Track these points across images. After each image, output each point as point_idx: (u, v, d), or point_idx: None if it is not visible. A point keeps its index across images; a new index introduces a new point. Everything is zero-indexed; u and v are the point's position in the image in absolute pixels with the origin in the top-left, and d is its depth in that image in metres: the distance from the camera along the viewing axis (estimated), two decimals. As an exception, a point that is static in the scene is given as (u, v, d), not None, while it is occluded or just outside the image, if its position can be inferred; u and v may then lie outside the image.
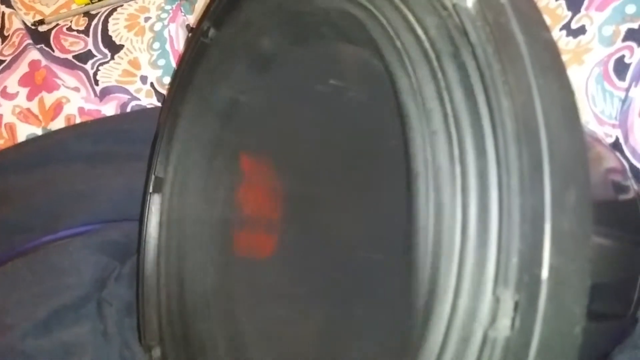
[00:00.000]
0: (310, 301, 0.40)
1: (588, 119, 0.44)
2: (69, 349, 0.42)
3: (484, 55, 0.23)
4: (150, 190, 0.48)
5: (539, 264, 0.20)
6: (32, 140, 0.58)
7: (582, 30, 0.44)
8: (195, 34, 0.45)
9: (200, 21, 0.44)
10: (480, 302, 0.22)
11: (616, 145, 0.42)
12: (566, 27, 0.45)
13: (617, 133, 0.43)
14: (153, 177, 0.48)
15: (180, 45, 0.60)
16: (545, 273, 0.20)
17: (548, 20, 0.45)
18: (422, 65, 0.25)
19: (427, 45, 0.25)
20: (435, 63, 0.25)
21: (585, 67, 0.43)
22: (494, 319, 0.21)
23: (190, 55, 0.45)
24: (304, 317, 0.41)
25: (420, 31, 0.26)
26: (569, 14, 0.45)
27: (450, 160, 0.24)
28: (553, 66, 0.23)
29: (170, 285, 0.46)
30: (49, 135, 0.58)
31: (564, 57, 0.44)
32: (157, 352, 0.44)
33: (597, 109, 0.43)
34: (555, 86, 0.22)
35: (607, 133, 0.43)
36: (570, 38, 0.44)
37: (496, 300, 0.21)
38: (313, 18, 0.34)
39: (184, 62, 0.46)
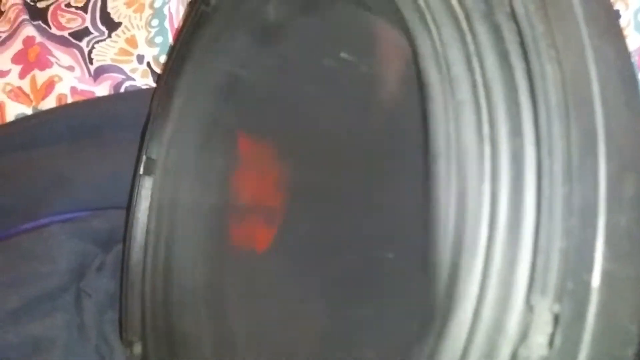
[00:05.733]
0: (309, 300, 0.36)
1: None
2: (38, 344, 0.39)
3: (524, 13, 0.19)
4: (141, 172, 0.44)
5: (588, 268, 0.16)
6: (19, 121, 0.55)
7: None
8: (195, 1, 0.41)
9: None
10: (510, 312, 0.18)
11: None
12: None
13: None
14: (144, 157, 0.44)
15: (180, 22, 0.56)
16: (596, 280, 0.16)
17: None
18: (447, 26, 0.21)
19: (454, 2, 0.21)
20: (463, 24, 0.21)
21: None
22: (525, 334, 0.17)
23: (190, 25, 0.41)
24: (301, 317, 0.37)
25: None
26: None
27: (479, 138, 0.19)
28: (610, 28, 0.18)
29: (156, 276, 0.43)
30: (36, 116, 0.54)
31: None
32: (137, 348, 0.40)
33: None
34: (612, 51, 0.18)
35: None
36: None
37: (529, 310, 0.17)
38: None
39: (182, 32, 0.42)
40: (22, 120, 0.54)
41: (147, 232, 0.44)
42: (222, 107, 0.41)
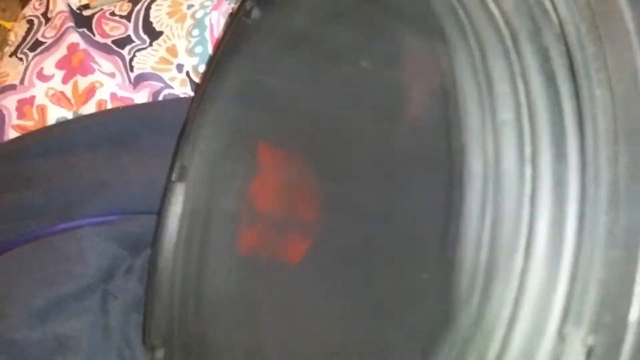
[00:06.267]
0: (341, 316, 0.36)
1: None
2: (63, 342, 0.39)
3: (575, 34, 0.19)
4: (174, 179, 0.44)
5: (627, 301, 0.15)
6: (60, 124, 0.56)
7: None
8: (237, 13, 0.42)
9: (244, 0, 0.40)
10: (541, 341, 0.17)
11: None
12: None
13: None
14: (178, 164, 0.44)
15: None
16: (635, 314, 0.15)
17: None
18: (492, 43, 0.20)
19: (499, 20, 0.21)
20: (509, 42, 0.20)
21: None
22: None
23: (230, 36, 0.41)
24: (334, 333, 0.36)
25: (491, 3, 0.21)
26: None
27: (520, 160, 0.19)
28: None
29: (187, 283, 0.43)
30: (76, 120, 0.56)
31: None
32: (160, 353, 0.40)
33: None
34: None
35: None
36: None
37: (562, 340, 0.16)
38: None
39: (222, 43, 0.42)
40: (62, 124, 0.55)
41: (178, 238, 0.44)
42: (255, 117, 0.41)
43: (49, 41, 0.62)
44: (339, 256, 0.37)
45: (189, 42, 0.57)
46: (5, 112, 0.58)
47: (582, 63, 0.18)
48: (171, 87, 0.55)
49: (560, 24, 0.19)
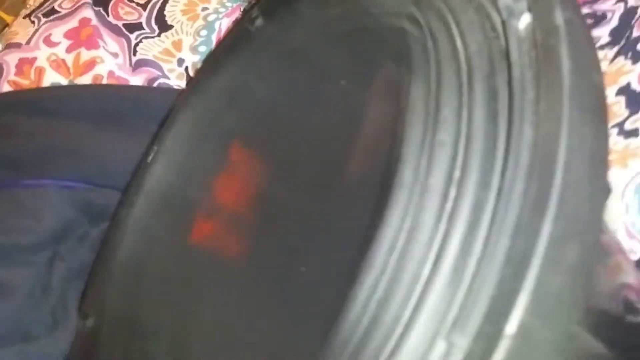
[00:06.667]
0: (260, 315, 0.37)
1: (617, 228, 0.40)
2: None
3: (520, 79, 0.20)
4: (148, 160, 0.45)
5: (507, 316, 0.16)
6: (52, 88, 0.58)
7: (634, 133, 0.41)
8: (242, 18, 0.44)
9: (251, 7, 0.42)
10: (431, 345, 0.18)
11: (640, 264, 0.38)
12: (619, 125, 0.42)
13: (645, 251, 0.39)
14: (155, 147, 0.45)
15: (226, 38, 0.59)
16: (511, 328, 0.16)
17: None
18: (449, 73, 0.22)
19: (462, 57, 0.23)
20: (464, 77, 0.22)
21: (627, 171, 0.40)
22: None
23: (230, 38, 0.43)
24: (253, 330, 0.37)
25: (459, 43, 0.23)
26: (626, 112, 0.42)
27: (447, 180, 0.20)
28: (594, 110, 0.19)
29: (133, 261, 0.43)
30: (69, 88, 0.57)
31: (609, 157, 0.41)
32: (91, 322, 0.40)
33: (628, 220, 0.39)
34: (590, 131, 0.19)
35: (633, 249, 0.39)
36: (621, 138, 0.41)
37: (450, 345, 0.17)
38: (355, 20, 0.32)
39: (222, 43, 0.44)
40: (55, 88, 0.57)
41: (137, 216, 0.45)
42: (225, 112, 0.43)
43: (64, 12, 0.64)
44: (268, 261, 0.38)
45: (195, 40, 0.59)
46: (4, 66, 0.59)
47: (520, 104, 0.20)
48: (167, 78, 0.57)
49: (510, 67, 0.21)
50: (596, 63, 0.21)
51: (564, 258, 0.17)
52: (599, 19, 0.50)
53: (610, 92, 0.44)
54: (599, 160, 0.19)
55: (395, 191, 0.21)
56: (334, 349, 0.20)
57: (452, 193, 0.20)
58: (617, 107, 0.42)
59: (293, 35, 0.39)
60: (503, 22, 0.22)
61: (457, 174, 0.20)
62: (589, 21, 0.51)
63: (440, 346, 0.18)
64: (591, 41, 0.21)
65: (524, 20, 0.22)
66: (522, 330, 0.16)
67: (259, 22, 0.42)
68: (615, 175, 0.40)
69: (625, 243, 0.39)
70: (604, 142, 0.19)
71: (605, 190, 0.19)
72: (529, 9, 0.21)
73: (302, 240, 0.34)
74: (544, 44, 0.20)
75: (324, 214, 0.34)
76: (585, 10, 0.52)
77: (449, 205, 0.20)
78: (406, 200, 0.20)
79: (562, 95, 0.19)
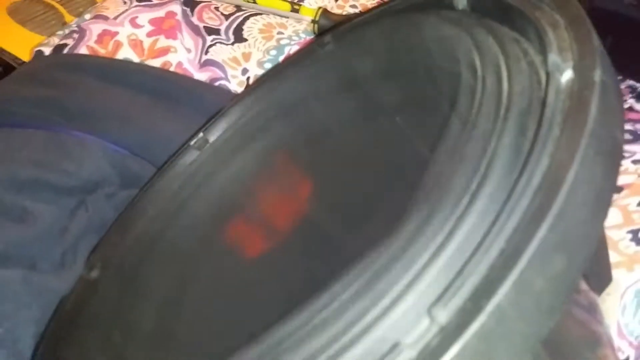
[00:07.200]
0: (259, 314, 0.38)
1: (610, 325, 0.41)
2: (22, 214, 0.41)
3: (549, 118, 0.23)
4: (191, 144, 0.48)
5: (488, 297, 0.18)
6: (123, 61, 0.62)
7: (646, 249, 0.42)
8: (314, 42, 0.47)
9: (324, 32, 0.46)
10: (415, 317, 0.20)
11: (624, 364, 0.39)
12: (634, 232, 0.43)
13: (631, 354, 0.39)
14: (201, 135, 0.48)
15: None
16: (491, 306, 0.18)
17: (620, 214, 0.44)
18: (488, 106, 0.25)
19: (504, 94, 0.25)
20: (502, 111, 0.24)
21: (632, 275, 0.41)
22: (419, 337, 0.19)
23: (298, 54, 0.46)
24: (242, 324, 0.38)
25: (505, 84, 0.26)
26: (643, 219, 0.43)
27: (465, 188, 0.22)
28: (608, 157, 0.22)
29: (149, 230, 0.45)
30: (139, 65, 0.61)
31: (617, 258, 0.43)
32: (95, 273, 0.42)
33: (623, 320, 0.40)
34: (601, 170, 0.21)
35: (621, 348, 0.40)
36: (633, 244, 0.43)
37: (431, 318, 0.19)
38: (414, 54, 0.35)
39: (289, 59, 0.47)
40: (126, 62, 0.61)
41: (167, 194, 0.47)
42: (287, 129, 0.46)
43: (155, 1, 0.69)
44: (284, 271, 0.40)
45: (264, 56, 0.63)
46: (88, 32, 0.64)
47: (544, 138, 0.22)
48: (228, 82, 0.61)
49: (543, 108, 0.23)
50: (620, 123, 0.23)
51: (550, 265, 0.19)
52: (637, 137, 0.53)
53: (633, 202, 0.46)
54: (604, 198, 0.21)
55: (416, 198, 0.23)
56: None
57: (466, 200, 0.22)
58: (637, 215, 0.44)
59: (357, 62, 0.43)
60: (547, 74, 0.25)
61: (474, 185, 0.22)
62: (628, 137, 0.54)
63: (424, 320, 0.19)
64: (621, 105, 0.24)
65: (566, 76, 0.24)
66: (498, 313, 0.18)
67: (329, 47, 0.46)
68: (620, 276, 0.41)
69: (616, 341, 0.40)
70: (612, 185, 0.22)
71: (602, 219, 0.21)
72: (574, 67, 0.24)
73: (324, 264, 0.36)
74: (579, 94, 0.23)
75: (355, 246, 0.36)
76: (627, 126, 0.55)
77: (458, 209, 0.22)
78: (423, 201, 0.23)
79: (582, 136, 0.21)
